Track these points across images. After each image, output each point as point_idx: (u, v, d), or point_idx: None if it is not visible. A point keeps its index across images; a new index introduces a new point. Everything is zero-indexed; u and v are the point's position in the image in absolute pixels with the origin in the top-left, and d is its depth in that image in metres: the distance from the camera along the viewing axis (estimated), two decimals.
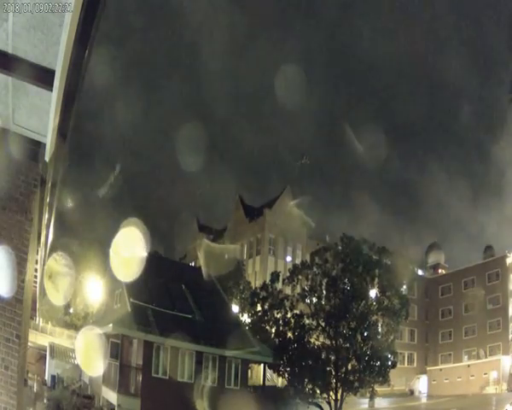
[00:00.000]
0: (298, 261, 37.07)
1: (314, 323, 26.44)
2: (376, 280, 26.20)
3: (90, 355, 17.51)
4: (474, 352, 46.13)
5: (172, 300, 22.99)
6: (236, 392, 22.30)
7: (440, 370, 46.65)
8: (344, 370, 24.95)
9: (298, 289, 28.10)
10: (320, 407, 25.88)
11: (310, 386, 25.29)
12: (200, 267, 32.13)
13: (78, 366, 31.38)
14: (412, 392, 48.29)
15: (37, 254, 7.73)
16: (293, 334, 26.79)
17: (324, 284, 26.68)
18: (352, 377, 25.03)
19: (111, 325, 19.84)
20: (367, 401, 33.85)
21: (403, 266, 27.01)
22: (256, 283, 39.99)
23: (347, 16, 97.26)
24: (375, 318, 25.91)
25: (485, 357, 44.34)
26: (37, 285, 9.94)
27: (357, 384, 25.21)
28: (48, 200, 5.64)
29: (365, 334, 25.59)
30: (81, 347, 17.80)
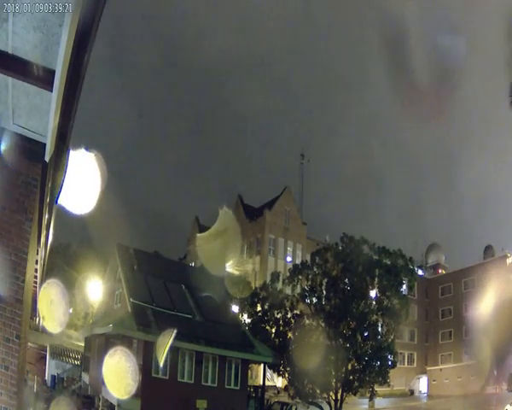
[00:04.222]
0: (298, 261, 37.09)
1: (314, 323, 26.41)
2: (376, 280, 26.16)
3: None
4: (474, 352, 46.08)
5: (172, 300, 22.97)
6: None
7: (440, 370, 46.63)
8: (344, 370, 24.91)
9: (298, 289, 28.07)
10: (320, 407, 25.85)
11: (310, 386, 25.27)
12: (200, 267, 32.15)
13: (78, 365, 31.47)
14: (412, 392, 48.28)
15: (37, 254, 7.73)
16: (294, 334, 26.77)
17: (324, 284, 26.64)
18: (351, 377, 25.00)
19: (111, 325, 19.82)
20: (367, 401, 33.85)
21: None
22: (256, 283, 40.00)
23: None
24: (375, 318, 25.86)
25: None
26: (37, 285, 9.93)
27: (357, 384, 25.16)
28: (48, 200, 5.63)
29: (365, 334, 25.55)
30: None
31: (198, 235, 33.43)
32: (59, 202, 4.84)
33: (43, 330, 35.95)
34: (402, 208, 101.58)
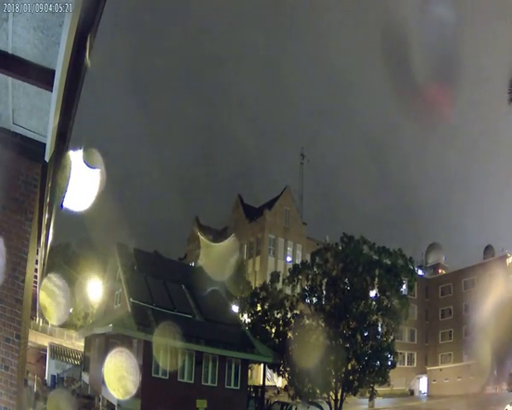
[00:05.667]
0: (298, 261, 37.09)
1: (314, 323, 26.39)
2: (376, 280, 26.15)
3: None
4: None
5: (172, 300, 22.96)
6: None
7: (440, 370, 46.58)
8: (344, 370, 24.90)
9: (298, 289, 28.06)
10: (320, 407, 25.84)
11: (310, 386, 25.25)
12: (200, 267, 32.15)
13: (78, 365, 31.48)
14: (412, 392, 48.24)
15: (37, 254, 7.73)
16: (293, 334, 26.75)
17: (324, 284, 26.62)
18: (351, 377, 24.99)
19: (111, 325, 19.82)
20: (367, 401, 33.86)
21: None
22: (256, 283, 40.00)
23: None
24: (375, 318, 25.84)
25: None
26: (37, 285, 9.94)
27: (357, 384, 25.14)
28: (48, 200, 5.63)
29: (365, 334, 25.53)
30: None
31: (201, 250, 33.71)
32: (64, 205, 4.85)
33: (43, 330, 35.99)
34: (402, 208, 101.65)
